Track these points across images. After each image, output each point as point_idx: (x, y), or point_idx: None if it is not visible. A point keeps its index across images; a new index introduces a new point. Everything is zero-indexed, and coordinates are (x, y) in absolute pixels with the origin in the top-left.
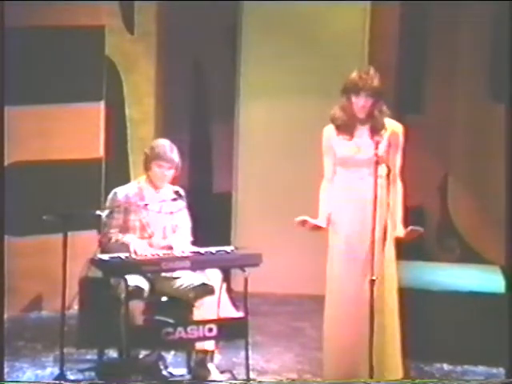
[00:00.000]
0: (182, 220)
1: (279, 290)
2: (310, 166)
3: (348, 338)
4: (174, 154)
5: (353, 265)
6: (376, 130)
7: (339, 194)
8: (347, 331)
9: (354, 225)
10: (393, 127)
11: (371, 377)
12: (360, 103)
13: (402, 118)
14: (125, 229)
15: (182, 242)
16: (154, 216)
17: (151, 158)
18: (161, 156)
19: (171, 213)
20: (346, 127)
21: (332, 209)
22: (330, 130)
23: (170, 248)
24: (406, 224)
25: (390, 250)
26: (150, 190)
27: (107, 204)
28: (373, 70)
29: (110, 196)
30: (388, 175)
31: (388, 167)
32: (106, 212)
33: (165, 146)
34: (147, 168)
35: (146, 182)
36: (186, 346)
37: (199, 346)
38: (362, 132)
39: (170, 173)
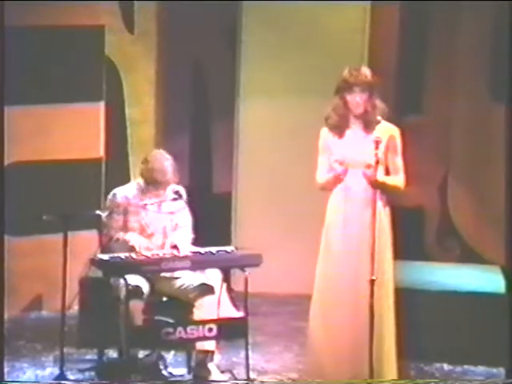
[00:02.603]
0: (183, 219)
1: (279, 290)
2: (310, 165)
3: (345, 338)
4: (170, 175)
5: (349, 265)
6: (370, 125)
7: (336, 195)
8: (344, 332)
9: (350, 225)
10: (390, 131)
11: (371, 377)
12: (355, 100)
13: (402, 119)
14: (124, 230)
15: (185, 241)
16: (153, 216)
17: (149, 181)
18: (158, 182)
19: (171, 213)
20: (339, 127)
21: (328, 209)
22: (327, 131)
23: (176, 248)
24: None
25: (388, 249)
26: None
27: (107, 205)
28: (364, 67)
29: (110, 197)
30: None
31: (387, 169)
32: (106, 213)
33: (163, 170)
34: (145, 182)
35: (143, 185)
36: (186, 345)
37: (199, 346)
38: (358, 131)
39: (166, 188)
